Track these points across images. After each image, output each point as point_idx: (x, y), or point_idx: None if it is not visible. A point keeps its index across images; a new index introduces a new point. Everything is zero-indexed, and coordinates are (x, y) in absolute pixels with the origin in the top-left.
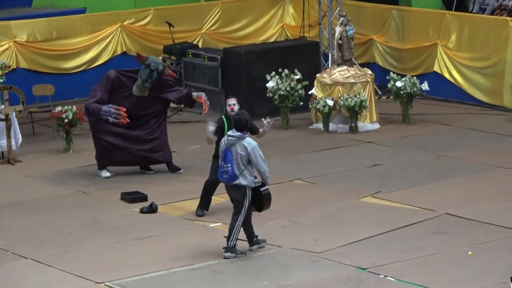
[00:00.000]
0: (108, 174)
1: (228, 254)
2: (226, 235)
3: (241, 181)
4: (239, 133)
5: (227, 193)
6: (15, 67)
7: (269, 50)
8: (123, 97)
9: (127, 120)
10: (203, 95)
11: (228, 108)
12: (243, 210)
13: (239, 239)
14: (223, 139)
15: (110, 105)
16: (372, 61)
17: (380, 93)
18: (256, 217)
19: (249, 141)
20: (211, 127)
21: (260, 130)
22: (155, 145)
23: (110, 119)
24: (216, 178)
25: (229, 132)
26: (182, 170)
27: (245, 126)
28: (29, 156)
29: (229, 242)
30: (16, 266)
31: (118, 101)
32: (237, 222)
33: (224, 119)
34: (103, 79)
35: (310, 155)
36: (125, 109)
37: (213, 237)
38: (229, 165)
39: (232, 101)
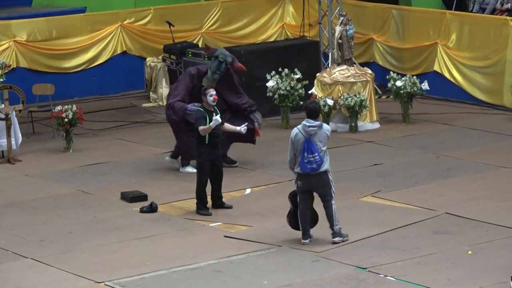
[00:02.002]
0: (194, 170)
1: (337, 239)
2: (227, 235)
3: (324, 166)
4: (318, 122)
5: (304, 184)
6: (15, 66)
7: (269, 49)
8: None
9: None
10: (256, 124)
11: (211, 99)
12: (333, 194)
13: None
14: (297, 131)
15: (196, 104)
16: (372, 60)
17: (380, 92)
18: (256, 216)
19: (327, 128)
20: (244, 127)
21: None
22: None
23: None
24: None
25: (306, 123)
26: (237, 163)
27: (318, 114)
28: (29, 155)
29: (334, 227)
30: (16, 266)
31: (196, 97)
32: (333, 207)
33: (203, 110)
34: (184, 76)
35: None
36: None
37: (213, 237)
38: (316, 154)
39: (214, 91)
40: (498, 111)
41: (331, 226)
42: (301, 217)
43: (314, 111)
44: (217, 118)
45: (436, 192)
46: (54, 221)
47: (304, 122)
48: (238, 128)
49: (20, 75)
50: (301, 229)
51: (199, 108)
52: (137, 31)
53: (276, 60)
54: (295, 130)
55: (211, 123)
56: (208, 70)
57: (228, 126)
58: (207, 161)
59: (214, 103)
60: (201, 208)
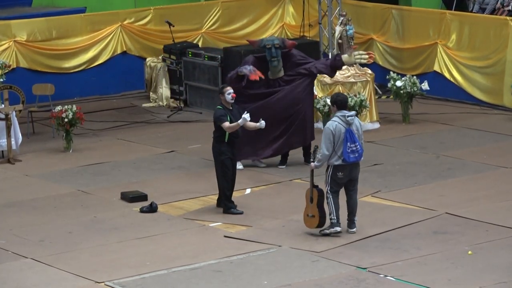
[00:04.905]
0: (240, 166)
1: (355, 229)
2: (227, 235)
3: (362, 156)
4: (353, 111)
5: (345, 175)
6: (15, 66)
7: None
8: (261, 82)
9: (259, 76)
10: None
11: (229, 97)
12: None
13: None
14: (336, 123)
15: (247, 66)
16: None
17: (380, 92)
18: (256, 216)
19: (357, 118)
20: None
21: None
22: (292, 131)
23: (245, 71)
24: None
25: (343, 114)
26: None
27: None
28: (29, 155)
29: (355, 217)
30: (16, 266)
31: (255, 84)
32: (356, 196)
33: (222, 108)
34: (243, 63)
35: None
36: (261, 73)
37: (213, 237)
38: (357, 143)
39: (231, 89)
40: (498, 111)
41: (353, 216)
42: (335, 206)
43: (345, 102)
44: (246, 116)
45: (436, 192)
46: (54, 221)
47: (339, 114)
48: (258, 124)
49: (20, 75)
50: (336, 219)
51: (219, 106)
52: (137, 31)
53: None
54: (332, 123)
55: (239, 121)
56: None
57: (250, 124)
58: (228, 158)
59: (233, 101)
60: (232, 206)
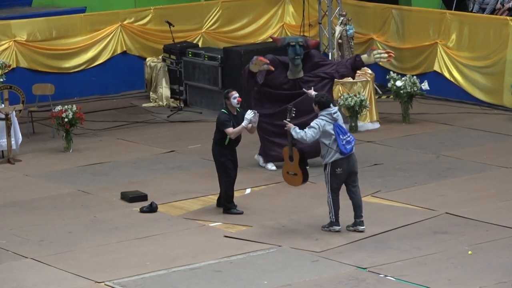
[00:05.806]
0: (274, 167)
1: (364, 227)
2: (227, 234)
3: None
4: (335, 107)
5: (344, 169)
6: (15, 66)
7: (269, 49)
8: (279, 81)
9: (271, 68)
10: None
11: (235, 101)
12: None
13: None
14: (324, 121)
15: (255, 56)
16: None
17: (380, 92)
18: (256, 216)
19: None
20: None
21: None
22: None
23: (251, 65)
24: None
25: (328, 111)
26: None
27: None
28: (29, 155)
29: (362, 214)
30: (16, 266)
31: (276, 85)
32: (359, 192)
33: (227, 113)
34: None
35: None
36: (268, 61)
37: (213, 237)
38: (348, 134)
39: (237, 93)
40: (498, 111)
41: (360, 211)
42: (335, 205)
43: (328, 103)
44: (248, 115)
45: (436, 192)
46: (54, 221)
47: (324, 113)
48: (243, 123)
49: (20, 75)
50: (334, 217)
51: (223, 110)
52: (137, 31)
53: None
54: (320, 121)
55: (243, 123)
56: (289, 62)
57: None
58: (229, 160)
59: (238, 105)
60: (232, 206)
